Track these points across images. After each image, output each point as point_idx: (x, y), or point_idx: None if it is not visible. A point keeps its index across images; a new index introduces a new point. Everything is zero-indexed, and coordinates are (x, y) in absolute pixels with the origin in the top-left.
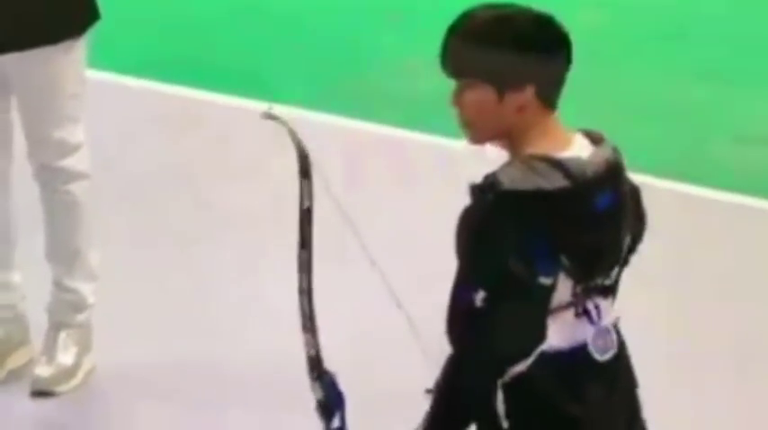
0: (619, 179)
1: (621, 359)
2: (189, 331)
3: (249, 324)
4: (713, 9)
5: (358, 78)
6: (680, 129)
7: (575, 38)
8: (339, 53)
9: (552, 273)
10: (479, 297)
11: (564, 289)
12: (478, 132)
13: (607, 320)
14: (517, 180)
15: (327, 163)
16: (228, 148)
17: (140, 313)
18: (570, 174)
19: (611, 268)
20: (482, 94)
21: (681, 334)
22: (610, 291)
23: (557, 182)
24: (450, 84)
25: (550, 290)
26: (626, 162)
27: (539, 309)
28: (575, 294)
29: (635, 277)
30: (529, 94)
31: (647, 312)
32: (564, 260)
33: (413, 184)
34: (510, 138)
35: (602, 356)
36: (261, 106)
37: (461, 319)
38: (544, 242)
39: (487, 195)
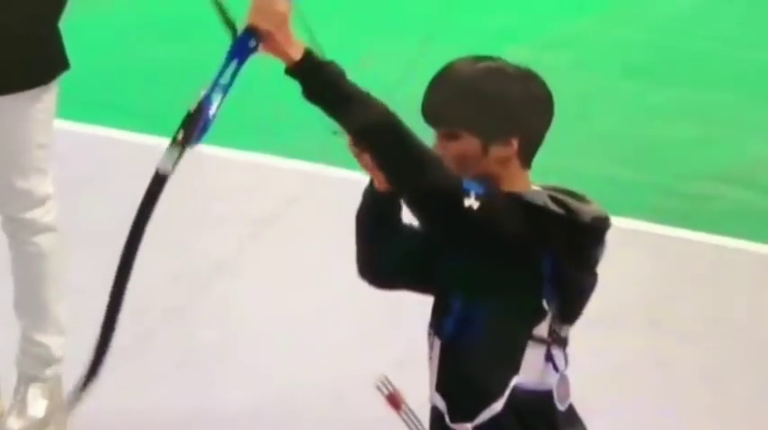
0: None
1: (573, 410)
2: (162, 379)
3: (228, 376)
4: (687, 45)
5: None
6: (655, 169)
7: (545, 77)
8: None
9: (551, 302)
10: (473, 202)
11: (544, 323)
12: None
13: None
14: (537, 199)
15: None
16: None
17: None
18: (574, 212)
19: (578, 317)
20: (466, 146)
21: (660, 375)
22: (567, 343)
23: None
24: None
25: (543, 317)
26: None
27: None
28: (550, 333)
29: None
30: (513, 147)
31: (623, 358)
32: (561, 293)
33: None
34: None
35: (563, 405)
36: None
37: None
38: (553, 267)
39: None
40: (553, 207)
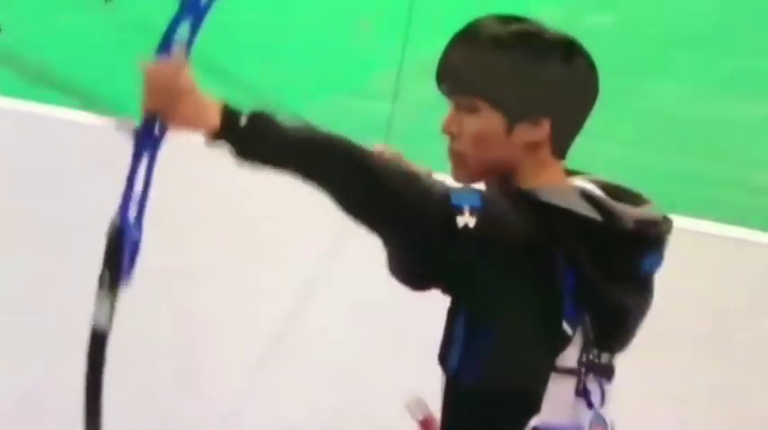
0: (667, 242)
1: None
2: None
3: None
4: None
5: None
6: (718, 157)
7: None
8: None
9: (575, 320)
10: (467, 220)
11: (573, 349)
12: (472, 168)
13: (607, 409)
14: (556, 198)
15: None
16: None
17: None
18: (617, 219)
19: (627, 342)
20: (487, 122)
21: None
22: (612, 371)
23: (598, 217)
24: None
25: (567, 342)
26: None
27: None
28: (580, 361)
29: None
30: (544, 130)
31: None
32: (586, 316)
33: None
34: (511, 183)
35: None
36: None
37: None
38: (574, 281)
39: (521, 201)
40: (581, 209)
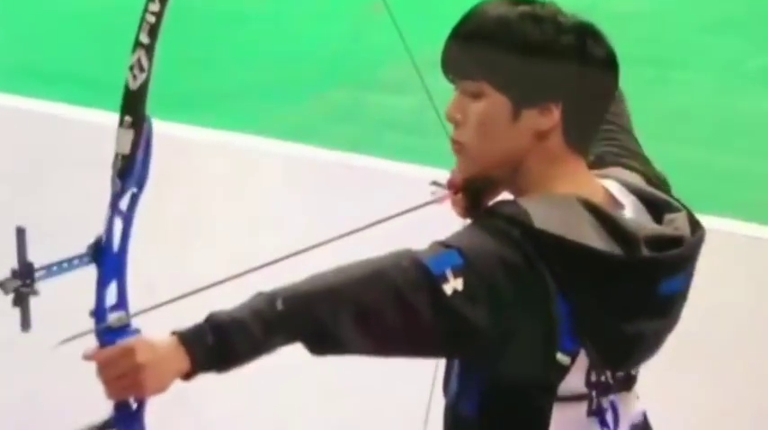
0: (695, 258)
1: None
2: None
3: None
4: None
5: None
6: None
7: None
8: None
9: (572, 350)
10: (454, 284)
11: (577, 374)
12: (476, 159)
13: (626, 423)
14: (554, 221)
15: None
16: None
17: None
18: (626, 241)
19: (649, 358)
20: (492, 107)
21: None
22: (633, 380)
23: (607, 245)
24: None
25: (565, 371)
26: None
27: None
28: (590, 384)
29: None
30: (554, 117)
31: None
32: (589, 343)
33: None
34: (518, 177)
35: None
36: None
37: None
38: (569, 314)
39: (511, 229)
40: (576, 234)
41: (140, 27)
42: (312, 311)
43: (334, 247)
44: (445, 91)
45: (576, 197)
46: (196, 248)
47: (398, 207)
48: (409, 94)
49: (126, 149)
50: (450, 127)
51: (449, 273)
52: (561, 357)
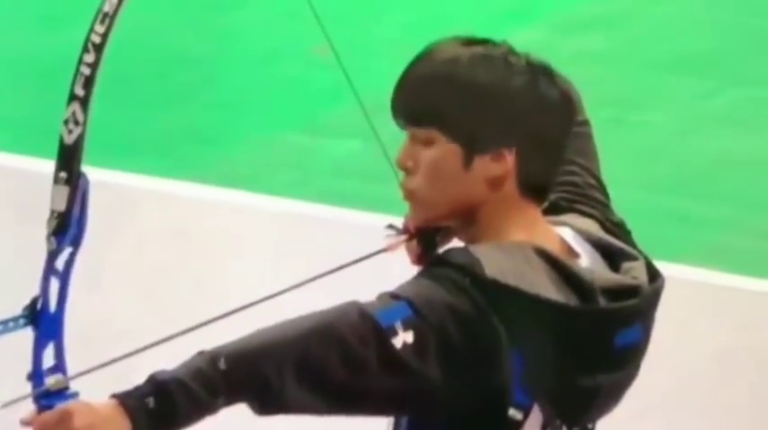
0: (654, 308)
1: None
2: None
3: None
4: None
5: None
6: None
7: (563, 71)
8: None
9: (526, 404)
10: (404, 337)
11: (533, 424)
12: (428, 206)
13: None
14: (507, 270)
15: None
16: None
17: None
18: (581, 291)
19: (607, 412)
20: (443, 155)
21: None
22: None
23: (562, 295)
24: None
25: (518, 427)
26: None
27: None
28: None
29: None
30: (508, 162)
31: None
32: (542, 397)
33: None
34: (471, 224)
35: None
36: None
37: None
38: (522, 367)
39: (462, 279)
40: (528, 285)
41: (75, 79)
42: (256, 369)
43: (279, 300)
44: (393, 134)
45: (530, 245)
46: (134, 301)
47: (348, 255)
48: (356, 137)
49: (61, 206)
50: (399, 172)
51: (398, 326)
52: (514, 412)
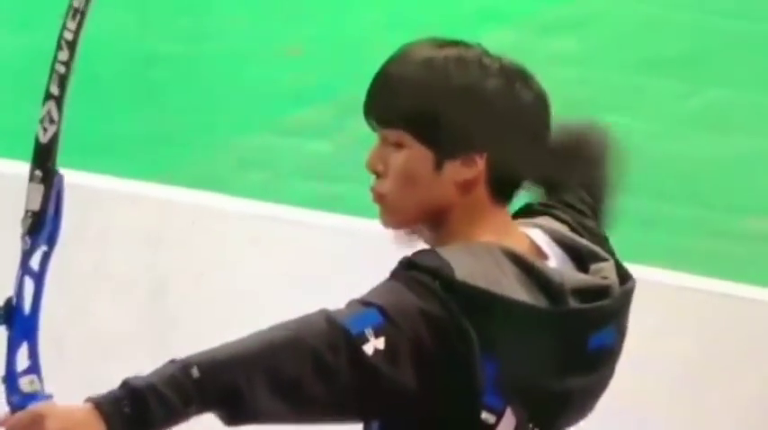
0: (626, 310)
1: None
2: None
3: None
4: (741, 28)
5: None
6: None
7: (537, 73)
8: None
9: (498, 408)
10: (375, 343)
11: (506, 427)
12: (397, 210)
13: None
14: (477, 273)
15: None
16: None
17: None
18: (551, 292)
19: (581, 416)
20: (413, 159)
21: None
22: None
23: (532, 297)
24: None
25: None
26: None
27: None
28: None
29: None
30: (478, 168)
31: None
32: (515, 401)
33: None
34: (440, 228)
35: None
36: None
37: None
38: (495, 370)
39: (432, 282)
40: (497, 286)
41: (50, 78)
42: (228, 378)
43: (256, 300)
44: (364, 136)
45: (498, 247)
46: (103, 303)
47: (317, 257)
48: (326, 138)
49: (36, 206)
50: (369, 174)
51: (369, 333)
52: (486, 416)
